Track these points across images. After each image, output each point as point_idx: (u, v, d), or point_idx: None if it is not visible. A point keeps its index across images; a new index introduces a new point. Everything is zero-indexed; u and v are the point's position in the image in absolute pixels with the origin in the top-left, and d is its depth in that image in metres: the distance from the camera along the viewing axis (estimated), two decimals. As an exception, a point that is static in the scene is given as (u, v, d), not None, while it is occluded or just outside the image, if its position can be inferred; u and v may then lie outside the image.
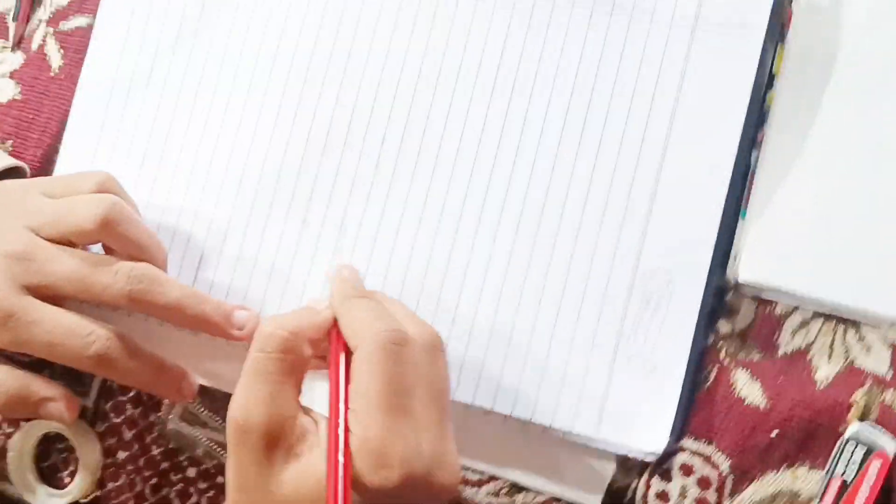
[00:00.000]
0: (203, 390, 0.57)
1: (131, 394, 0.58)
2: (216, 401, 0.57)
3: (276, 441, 0.44)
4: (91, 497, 0.58)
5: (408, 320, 0.47)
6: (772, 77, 0.52)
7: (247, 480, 0.44)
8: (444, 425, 0.45)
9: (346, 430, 0.43)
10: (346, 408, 0.44)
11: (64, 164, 0.61)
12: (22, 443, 0.58)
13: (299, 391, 0.46)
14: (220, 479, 0.57)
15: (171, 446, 0.57)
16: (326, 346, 0.48)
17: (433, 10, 0.56)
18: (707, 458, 0.50)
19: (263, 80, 0.58)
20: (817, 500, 0.48)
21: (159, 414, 0.58)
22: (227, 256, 0.57)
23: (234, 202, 0.57)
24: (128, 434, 0.58)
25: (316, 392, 0.47)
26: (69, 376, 0.59)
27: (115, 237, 0.52)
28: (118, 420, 0.58)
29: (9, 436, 0.58)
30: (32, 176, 0.61)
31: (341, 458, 0.42)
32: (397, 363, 0.44)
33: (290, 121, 0.57)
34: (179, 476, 0.58)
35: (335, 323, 0.47)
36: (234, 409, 0.45)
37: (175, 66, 0.59)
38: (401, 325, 0.46)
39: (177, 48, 0.59)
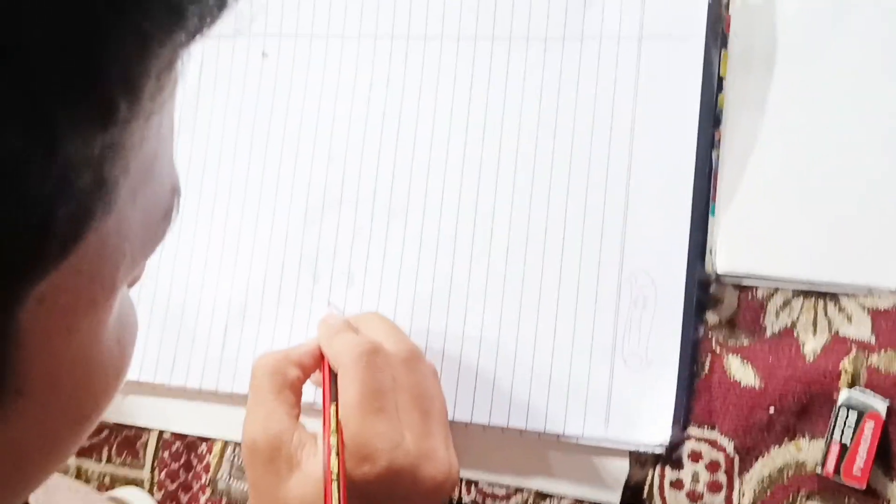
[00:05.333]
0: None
1: (182, 460, 0.62)
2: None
3: (278, 453, 0.49)
4: (157, 561, 0.62)
5: (389, 337, 0.52)
6: (721, 80, 0.55)
7: (262, 493, 0.49)
8: (428, 425, 0.50)
9: (340, 432, 0.48)
10: (338, 418, 0.48)
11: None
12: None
13: (297, 411, 0.51)
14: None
15: (224, 503, 0.61)
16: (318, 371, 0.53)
17: (403, 62, 0.60)
18: (713, 443, 0.52)
19: (260, 156, 0.62)
20: (820, 465, 0.50)
21: (209, 475, 0.62)
22: (250, 317, 0.61)
23: (249, 268, 0.61)
24: (184, 498, 0.62)
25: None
26: (124, 452, 0.63)
27: None
28: (173, 487, 0.63)
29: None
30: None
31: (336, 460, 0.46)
32: (371, 370, 0.49)
33: (289, 186, 0.61)
34: (235, 529, 0.61)
35: (323, 357, 0.52)
36: (243, 436, 0.50)
37: (181, 152, 0.64)
38: (373, 342, 0.50)
39: (179, 134, 0.64)
